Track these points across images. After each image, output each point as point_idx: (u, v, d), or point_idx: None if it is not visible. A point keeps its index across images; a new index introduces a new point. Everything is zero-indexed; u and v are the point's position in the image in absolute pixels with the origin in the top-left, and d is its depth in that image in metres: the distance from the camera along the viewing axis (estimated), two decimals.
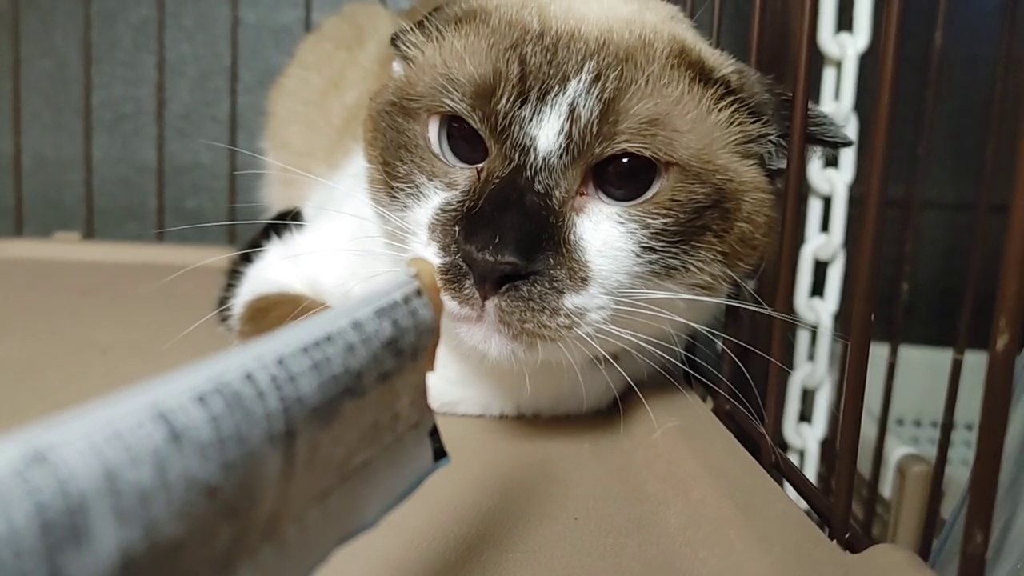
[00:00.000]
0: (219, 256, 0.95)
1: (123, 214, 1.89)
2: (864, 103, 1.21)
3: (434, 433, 0.43)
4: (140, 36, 1.87)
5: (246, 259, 1.02)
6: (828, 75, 1.21)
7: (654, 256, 0.66)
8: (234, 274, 1.01)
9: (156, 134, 1.76)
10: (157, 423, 0.25)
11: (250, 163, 1.55)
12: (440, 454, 0.43)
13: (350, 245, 0.81)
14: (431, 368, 0.42)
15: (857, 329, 0.57)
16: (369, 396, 0.35)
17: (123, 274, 1.38)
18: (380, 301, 0.36)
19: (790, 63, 0.73)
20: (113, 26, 1.87)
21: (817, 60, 1.19)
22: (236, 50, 1.76)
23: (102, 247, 1.59)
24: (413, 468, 0.41)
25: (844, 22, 1.20)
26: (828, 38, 1.19)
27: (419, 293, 0.39)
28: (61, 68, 1.88)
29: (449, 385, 0.81)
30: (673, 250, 0.66)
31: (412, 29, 0.76)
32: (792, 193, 0.69)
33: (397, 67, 0.79)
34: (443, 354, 0.79)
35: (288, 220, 1.01)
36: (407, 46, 0.76)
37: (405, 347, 0.37)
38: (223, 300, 0.98)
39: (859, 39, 1.18)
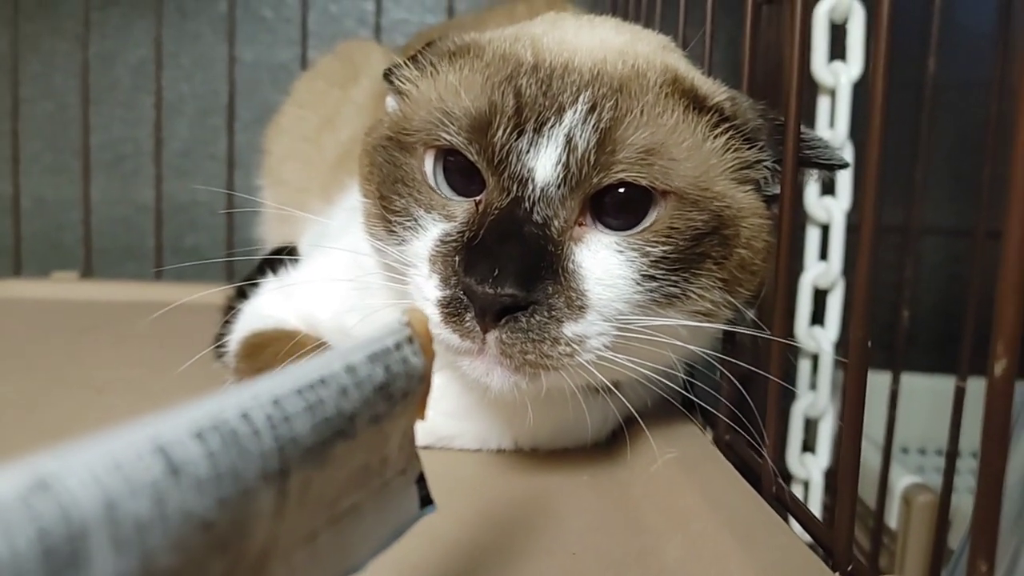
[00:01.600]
0: (209, 291, 0.94)
1: (122, 254, 1.90)
2: (860, 131, 1.21)
3: (421, 480, 0.44)
4: (139, 77, 1.88)
5: (242, 295, 1.02)
6: (823, 104, 1.22)
7: (654, 284, 0.66)
8: (230, 310, 1.01)
9: (155, 173, 1.76)
10: (156, 456, 0.26)
11: (248, 200, 1.56)
12: (426, 501, 0.44)
13: (346, 279, 0.81)
14: (422, 416, 0.43)
15: (855, 354, 0.56)
16: (360, 439, 0.35)
17: (121, 313, 1.37)
18: (373, 347, 0.37)
19: (785, 95, 0.73)
20: (112, 67, 1.89)
21: (811, 89, 1.19)
22: (234, 88, 1.77)
23: (100, 286, 1.59)
24: (399, 514, 0.42)
25: (837, 51, 1.20)
26: (822, 67, 1.19)
27: (410, 340, 0.40)
28: (61, 110, 1.90)
29: (446, 419, 0.81)
30: (673, 278, 0.66)
31: (406, 64, 0.76)
32: (787, 216, 0.68)
33: (391, 102, 0.79)
34: (441, 387, 0.79)
35: (283, 256, 1.01)
36: (401, 81, 0.76)
37: (396, 392, 0.38)
38: (219, 336, 0.98)
39: (852, 67, 1.18)
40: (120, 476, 0.24)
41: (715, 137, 0.69)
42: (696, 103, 0.69)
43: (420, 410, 0.42)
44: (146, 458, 0.25)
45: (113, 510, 0.24)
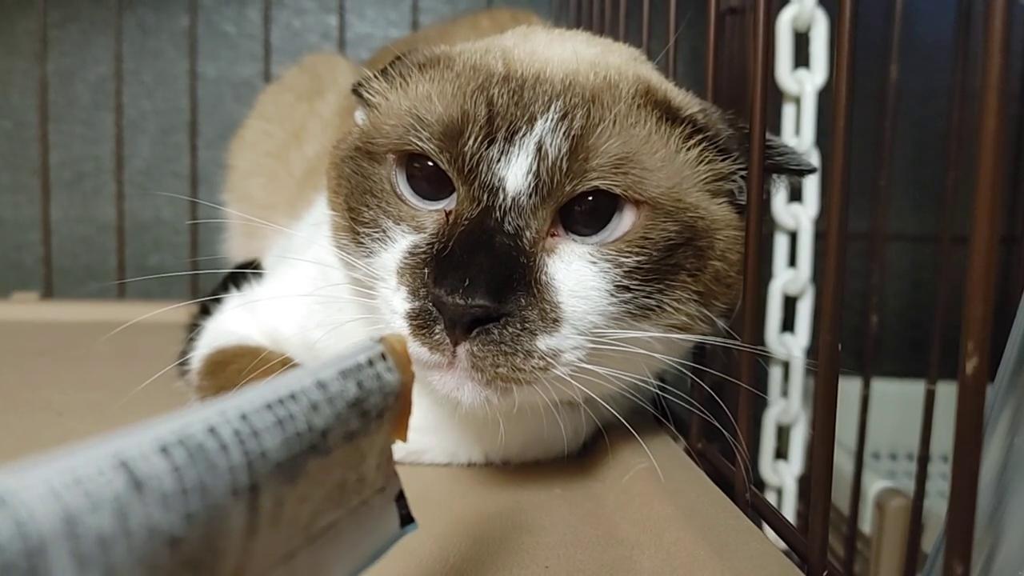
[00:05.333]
0: (171, 307, 0.92)
1: (84, 273, 1.86)
2: (825, 139, 1.22)
3: (400, 498, 0.43)
4: (99, 94, 1.86)
5: (205, 312, 1.00)
6: (788, 112, 1.22)
7: (628, 295, 0.65)
8: (193, 328, 0.99)
9: (116, 191, 1.74)
10: (118, 471, 0.25)
11: (212, 217, 1.54)
12: (407, 520, 0.43)
13: (312, 293, 0.79)
14: (403, 438, 0.42)
15: (824, 359, 0.55)
16: (334, 455, 0.35)
17: (83, 333, 1.34)
18: (345, 363, 0.37)
19: (750, 103, 0.73)
20: (71, 84, 1.86)
21: (776, 97, 1.19)
22: (196, 105, 1.75)
23: (61, 306, 1.56)
24: (380, 533, 0.41)
25: (802, 59, 1.21)
26: (786, 75, 1.19)
27: (383, 357, 0.39)
28: (19, 128, 1.86)
29: (415, 433, 0.78)
30: (647, 289, 0.65)
31: (376, 76, 0.76)
32: (754, 223, 0.68)
33: (360, 115, 0.78)
34: None
35: (248, 272, 0.99)
36: (370, 93, 0.76)
37: (370, 408, 0.37)
38: (183, 354, 0.96)
39: (817, 75, 1.19)
40: (80, 491, 0.24)
41: (688, 148, 0.68)
42: (669, 114, 0.69)
43: (400, 430, 0.42)
44: (107, 473, 0.25)
45: (73, 525, 0.23)
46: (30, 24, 1.79)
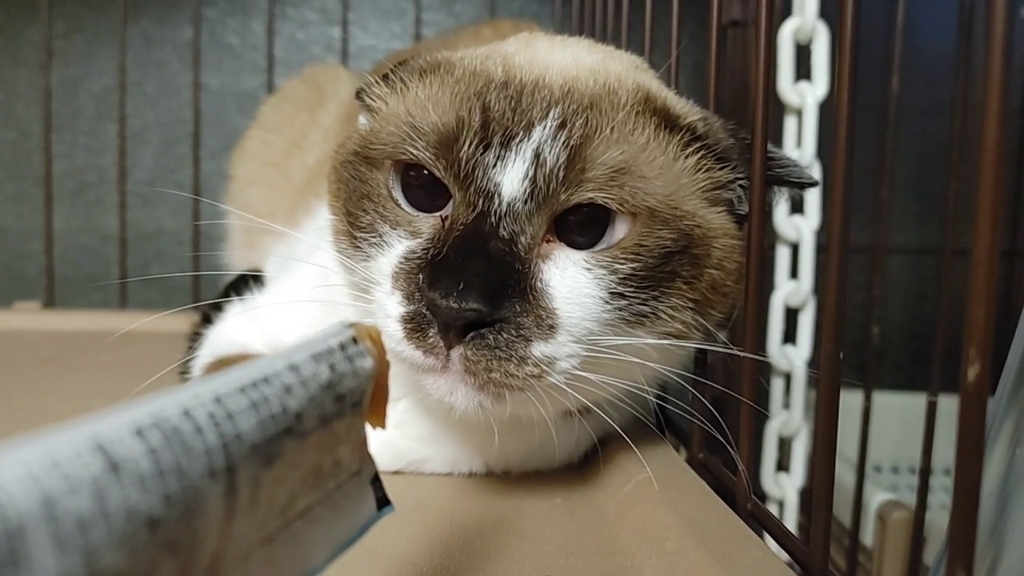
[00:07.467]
0: (166, 313, 0.92)
1: (86, 283, 1.87)
2: (827, 151, 1.22)
3: (376, 481, 0.43)
4: (103, 104, 1.86)
5: (207, 321, 1.00)
6: (790, 124, 1.22)
7: (623, 302, 0.65)
8: (195, 337, 0.99)
9: (119, 202, 1.74)
10: (95, 454, 0.25)
11: (215, 228, 1.54)
12: (383, 502, 0.43)
13: (313, 298, 0.79)
14: (381, 424, 0.42)
15: (826, 366, 0.55)
16: (310, 438, 0.35)
17: (84, 343, 1.35)
18: (316, 347, 0.37)
19: (752, 115, 0.73)
20: (75, 95, 1.87)
21: (778, 109, 1.20)
22: (199, 116, 1.75)
23: (63, 316, 1.57)
24: (357, 516, 0.41)
25: (803, 72, 1.21)
26: (788, 87, 1.20)
27: (355, 341, 0.39)
28: (23, 138, 1.87)
29: (416, 443, 0.79)
30: (642, 295, 0.65)
31: (377, 82, 0.76)
32: (755, 235, 0.68)
33: (363, 120, 0.79)
34: (409, 411, 0.78)
35: (249, 281, 0.99)
36: (372, 99, 0.76)
37: (345, 392, 0.38)
38: (185, 364, 0.96)
39: (818, 87, 1.19)
40: (58, 473, 0.24)
41: (687, 156, 0.68)
42: (668, 122, 0.69)
43: (377, 416, 0.42)
44: (84, 455, 0.25)
45: (52, 507, 0.24)
46: (35, 35, 1.80)
